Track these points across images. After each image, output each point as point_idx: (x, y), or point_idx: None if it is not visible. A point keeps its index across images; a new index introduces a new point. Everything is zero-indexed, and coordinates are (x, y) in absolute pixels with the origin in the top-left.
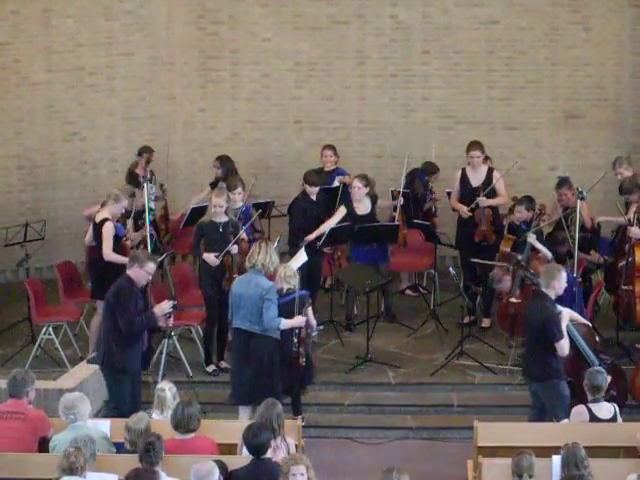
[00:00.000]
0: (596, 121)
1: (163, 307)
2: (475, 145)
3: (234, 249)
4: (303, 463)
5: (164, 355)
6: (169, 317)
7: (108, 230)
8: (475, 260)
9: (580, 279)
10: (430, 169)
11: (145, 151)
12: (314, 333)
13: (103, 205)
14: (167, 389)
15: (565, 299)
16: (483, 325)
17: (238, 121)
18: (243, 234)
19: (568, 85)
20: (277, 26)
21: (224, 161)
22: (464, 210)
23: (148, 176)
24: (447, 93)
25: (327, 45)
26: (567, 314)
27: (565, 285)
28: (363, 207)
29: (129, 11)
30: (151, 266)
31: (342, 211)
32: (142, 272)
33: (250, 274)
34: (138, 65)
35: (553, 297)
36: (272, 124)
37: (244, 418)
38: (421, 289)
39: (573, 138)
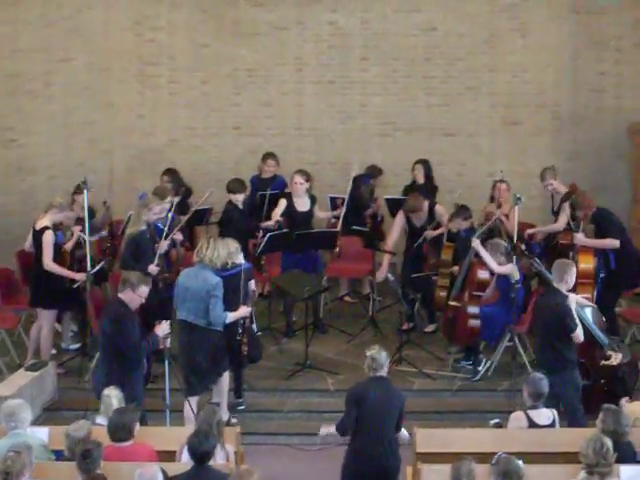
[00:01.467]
0: (535, 127)
1: (164, 328)
2: (411, 205)
3: (163, 249)
4: (257, 475)
5: (167, 379)
6: (167, 338)
7: (48, 239)
8: (415, 275)
9: (519, 285)
10: (374, 172)
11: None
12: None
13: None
14: (113, 395)
15: (505, 304)
16: (427, 330)
17: (176, 127)
18: (178, 236)
19: (507, 91)
20: (216, 32)
21: (173, 173)
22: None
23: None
24: (386, 100)
25: (266, 51)
26: (574, 299)
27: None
28: (302, 203)
29: (67, 17)
30: (144, 289)
31: (283, 203)
32: (135, 296)
33: (197, 268)
34: (76, 71)
35: (564, 291)
36: (210, 130)
37: (191, 409)
38: (361, 295)
39: (512, 144)
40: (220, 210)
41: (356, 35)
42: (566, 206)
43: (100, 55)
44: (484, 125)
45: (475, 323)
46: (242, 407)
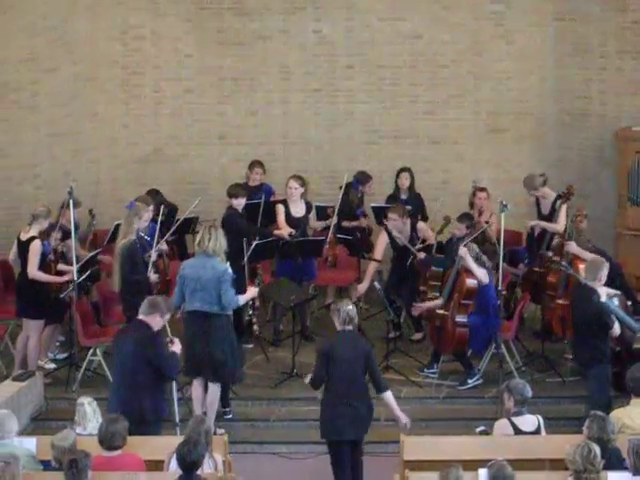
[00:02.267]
0: (519, 135)
1: (179, 345)
2: (392, 210)
3: (154, 256)
4: None
5: (176, 399)
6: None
7: (36, 248)
8: (394, 234)
9: (505, 291)
10: (363, 178)
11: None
12: None
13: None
14: (86, 403)
15: (488, 312)
16: (414, 338)
17: (161, 137)
18: (163, 245)
19: (491, 99)
20: (200, 41)
21: (156, 193)
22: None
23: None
24: (371, 108)
25: (251, 60)
26: (603, 291)
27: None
28: (298, 208)
29: (52, 27)
30: (168, 317)
31: (282, 209)
32: (161, 321)
33: (201, 258)
34: (62, 81)
35: (598, 289)
36: (195, 140)
37: (198, 391)
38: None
39: (496, 152)
40: (206, 219)
41: (341, 43)
42: (564, 207)
43: (85, 65)
44: (469, 132)
45: (463, 331)
46: (229, 416)
